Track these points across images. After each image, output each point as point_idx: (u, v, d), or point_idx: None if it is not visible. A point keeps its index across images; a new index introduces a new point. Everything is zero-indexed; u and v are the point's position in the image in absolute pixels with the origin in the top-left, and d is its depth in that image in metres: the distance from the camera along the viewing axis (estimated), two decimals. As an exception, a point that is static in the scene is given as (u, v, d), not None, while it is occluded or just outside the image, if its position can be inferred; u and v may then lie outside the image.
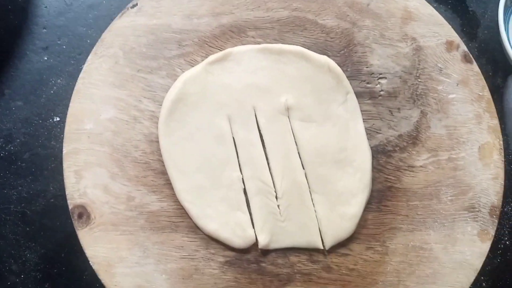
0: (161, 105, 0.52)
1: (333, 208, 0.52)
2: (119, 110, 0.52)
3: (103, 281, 0.49)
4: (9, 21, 0.62)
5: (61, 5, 0.63)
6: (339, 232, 0.52)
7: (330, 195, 0.52)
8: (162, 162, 0.51)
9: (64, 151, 0.50)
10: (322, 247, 0.51)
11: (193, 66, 0.53)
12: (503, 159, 0.55)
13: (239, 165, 0.52)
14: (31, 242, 0.56)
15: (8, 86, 0.60)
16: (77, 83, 0.52)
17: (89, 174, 0.50)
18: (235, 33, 0.55)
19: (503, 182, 0.54)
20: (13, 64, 0.61)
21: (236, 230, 0.49)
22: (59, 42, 0.62)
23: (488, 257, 0.53)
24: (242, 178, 0.51)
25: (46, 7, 0.63)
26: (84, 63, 0.60)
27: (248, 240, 0.49)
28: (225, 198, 0.50)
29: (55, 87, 0.60)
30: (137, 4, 0.54)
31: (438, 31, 0.57)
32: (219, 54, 0.53)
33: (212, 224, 0.49)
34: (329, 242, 0.51)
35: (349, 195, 0.52)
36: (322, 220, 0.52)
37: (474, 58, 0.58)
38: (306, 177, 0.52)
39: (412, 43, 0.57)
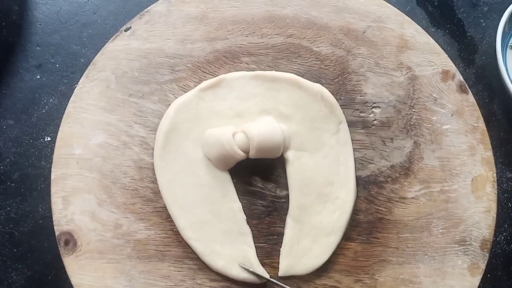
0: (152, 131, 0.52)
1: (302, 239, 0.50)
2: (109, 136, 0.51)
3: (88, 309, 0.48)
4: (2, 37, 0.61)
5: (56, 22, 0.62)
6: (296, 265, 0.50)
7: (304, 225, 0.51)
8: (151, 189, 0.50)
9: (53, 176, 0.50)
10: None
11: (185, 92, 0.53)
12: (496, 192, 0.54)
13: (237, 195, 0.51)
14: (18, 264, 0.55)
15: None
16: (67, 106, 0.52)
17: (77, 200, 0.49)
18: (229, 59, 0.54)
19: (495, 216, 0.54)
20: (5, 82, 0.60)
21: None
22: (52, 60, 0.61)
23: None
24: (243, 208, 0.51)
25: (40, 24, 0.62)
26: (77, 83, 0.60)
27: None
28: (229, 232, 0.49)
29: (47, 107, 0.59)
30: (130, 27, 0.54)
31: (434, 60, 0.57)
32: (212, 80, 0.52)
33: (219, 261, 0.48)
34: (282, 270, 0.50)
35: (321, 233, 0.51)
36: (286, 246, 0.50)
37: (471, 84, 0.57)
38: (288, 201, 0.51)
39: (407, 72, 0.56)
